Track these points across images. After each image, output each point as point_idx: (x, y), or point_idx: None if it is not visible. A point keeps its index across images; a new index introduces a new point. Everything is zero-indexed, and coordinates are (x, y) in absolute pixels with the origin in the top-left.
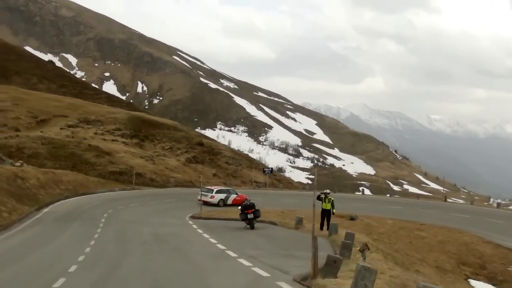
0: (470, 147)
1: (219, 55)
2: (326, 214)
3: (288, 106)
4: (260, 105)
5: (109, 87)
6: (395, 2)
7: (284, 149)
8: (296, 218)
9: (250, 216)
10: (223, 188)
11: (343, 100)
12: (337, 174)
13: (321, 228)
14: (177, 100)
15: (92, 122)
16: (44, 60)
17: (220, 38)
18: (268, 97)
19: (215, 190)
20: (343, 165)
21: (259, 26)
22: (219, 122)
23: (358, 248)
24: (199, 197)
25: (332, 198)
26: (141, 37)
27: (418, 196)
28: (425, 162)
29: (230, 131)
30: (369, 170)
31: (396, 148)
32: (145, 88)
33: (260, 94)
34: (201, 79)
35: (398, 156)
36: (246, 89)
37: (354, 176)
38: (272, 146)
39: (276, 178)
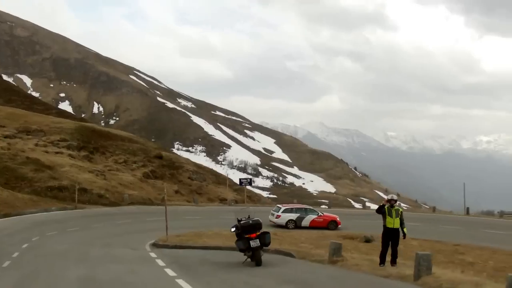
0: (427, 163)
1: (176, 74)
2: (392, 237)
3: (246, 125)
4: (218, 124)
5: (65, 108)
6: (352, 20)
7: (243, 168)
8: (332, 244)
9: (255, 243)
10: (296, 206)
11: (300, 118)
12: (297, 193)
13: (383, 261)
14: (134, 120)
15: (33, 133)
16: None
17: (177, 57)
18: (226, 116)
19: (282, 208)
20: (303, 183)
21: (216, 45)
22: (177, 142)
23: None
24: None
25: (401, 210)
26: (97, 56)
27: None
28: (383, 179)
29: (188, 151)
30: (329, 188)
31: (354, 166)
32: (101, 109)
33: (218, 113)
34: (158, 98)
35: (358, 173)
36: (204, 108)
37: (315, 194)
38: (231, 165)
39: (247, 194)
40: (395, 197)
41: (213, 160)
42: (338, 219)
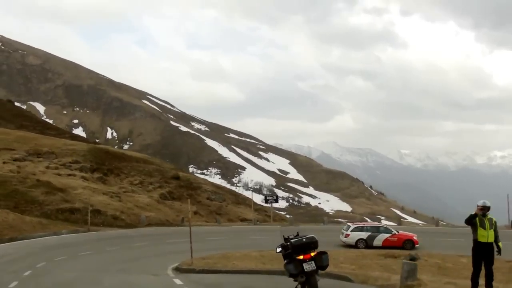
0: (441, 180)
1: (189, 98)
2: (485, 254)
3: (260, 147)
4: (232, 146)
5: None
6: (362, 39)
7: (258, 190)
8: (405, 265)
9: (310, 266)
10: (367, 224)
11: (313, 138)
12: (313, 213)
13: (475, 285)
14: (148, 145)
15: (44, 155)
16: (2, 100)
17: (189, 81)
18: (240, 138)
19: (352, 226)
20: (319, 203)
21: (227, 68)
22: (191, 165)
23: None
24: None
25: (495, 219)
26: (110, 82)
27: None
28: (399, 197)
29: (203, 173)
30: (345, 207)
31: (369, 184)
32: (114, 134)
33: (232, 135)
34: (172, 122)
35: (374, 192)
36: (217, 131)
37: (331, 213)
38: (246, 187)
39: (266, 214)
40: (487, 203)
41: (228, 182)
42: (415, 238)
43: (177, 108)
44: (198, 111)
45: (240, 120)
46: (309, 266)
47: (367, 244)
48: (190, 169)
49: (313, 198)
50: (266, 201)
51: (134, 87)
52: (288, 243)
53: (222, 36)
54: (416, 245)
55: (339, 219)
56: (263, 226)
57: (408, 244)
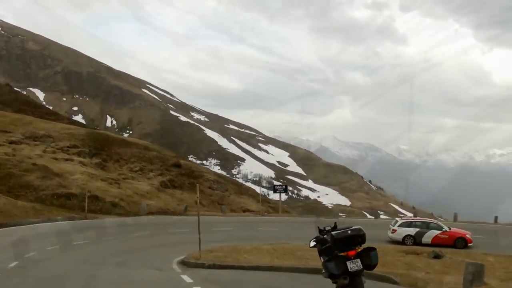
0: (440, 177)
1: (188, 88)
2: None
3: (260, 139)
4: (232, 137)
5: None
6: (361, 34)
7: (257, 182)
8: (469, 266)
9: (355, 265)
10: (416, 219)
11: (312, 132)
12: (312, 206)
13: None
14: (147, 134)
15: (41, 138)
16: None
17: (189, 71)
18: (240, 129)
19: (399, 222)
20: (318, 196)
21: (227, 60)
22: (191, 155)
23: None
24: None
25: None
26: (110, 70)
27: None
28: (398, 192)
29: (202, 164)
30: (344, 201)
31: (368, 179)
32: (114, 122)
33: (231, 126)
34: (171, 112)
35: (373, 187)
36: (217, 122)
37: (330, 207)
38: (246, 178)
39: (270, 205)
40: None
41: (227, 174)
42: (468, 236)
43: (177, 98)
44: (198, 102)
45: (240, 111)
46: (354, 265)
47: (415, 240)
48: (190, 159)
49: (312, 191)
50: (275, 190)
51: (134, 75)
52: (328, 236)
53: (223, 27)
54: (470, 244)
55: (339, 213)
56: (270, 217)
57: (460, 242)
